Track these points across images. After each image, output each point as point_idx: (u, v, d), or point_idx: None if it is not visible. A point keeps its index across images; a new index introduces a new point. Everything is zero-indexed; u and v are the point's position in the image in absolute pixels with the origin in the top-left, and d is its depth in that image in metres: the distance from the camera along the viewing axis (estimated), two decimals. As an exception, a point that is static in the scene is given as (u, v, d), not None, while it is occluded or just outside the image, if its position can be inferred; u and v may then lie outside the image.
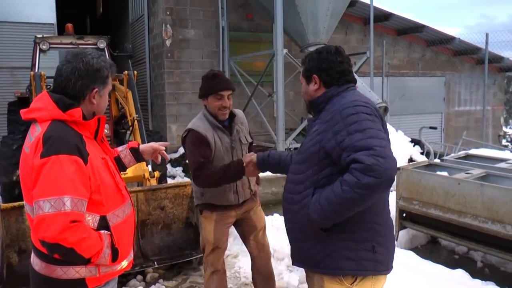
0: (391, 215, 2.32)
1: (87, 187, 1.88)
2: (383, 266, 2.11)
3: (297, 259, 2.27)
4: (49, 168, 1.80)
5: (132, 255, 2.20)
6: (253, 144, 3.45)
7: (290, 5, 8.08)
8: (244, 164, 2.79)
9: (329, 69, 2.22)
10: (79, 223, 1.82)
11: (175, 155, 9.92)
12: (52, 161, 1.80)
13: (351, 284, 2.08)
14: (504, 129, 17.36)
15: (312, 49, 8.36)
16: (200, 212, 3.30)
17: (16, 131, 7.16)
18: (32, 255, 2.04)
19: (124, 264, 2.11)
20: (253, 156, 2.76)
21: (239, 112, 3.31)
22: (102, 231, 1.95)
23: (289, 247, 2.36)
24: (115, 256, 1.98)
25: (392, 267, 2.19)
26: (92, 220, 1.94)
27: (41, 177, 1.80)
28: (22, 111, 2.04)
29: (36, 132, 1.92)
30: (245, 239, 3.42)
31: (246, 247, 3.44)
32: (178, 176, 9.07)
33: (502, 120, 15.55)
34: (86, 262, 1.89)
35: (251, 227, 3.35)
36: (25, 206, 2.05)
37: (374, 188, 1.88)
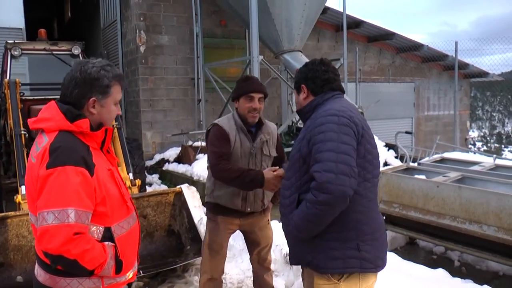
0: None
1: (92, 199, 1.87)
2: (370, 263, 2.16)
3: (293, 259, 2.37)
4: (54, 179, 1.78)
5: (137, 267, 2.19)
6: (283, 162, 3.23)
7: (264, 12, 8.15)
8: (266, 178, 2.81)
9: (315, 77, 2.36)
10: (82, 235, 1.80)
11: (151, 162, 9.83)
12: (58, 172, 1.79)
13: (338, 280, 2.16)
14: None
15: (286, 55, 8.63)
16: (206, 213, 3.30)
17: (-17, 141, 6.96)
18: (36, 266, 2.01)
19: (129, 275, 2.09)
20: (279, 170, 2.81)
21: (271, 124, 3.29)
22: (106, 243, 1.94)
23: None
24: (118, 268, 1.97)
25: (382, 265, 2.25)
26: (96, 231, 1.92)
27: (46, 188, 1.79)
28: (29, 121, 2.01)
29: (43, 142, 1.90)
30: (249, 251, 3.42)
31: (249, 256, 3.44)
32: (155, 184, 8.98)
33: (468, 124, 16.07)
34: (89, 273, 1.87)
35: (255, 243, 3.33)
36: (30, 216, 2.01)
37: (330, 204, 2.00)
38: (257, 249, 3.33)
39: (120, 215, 2.04)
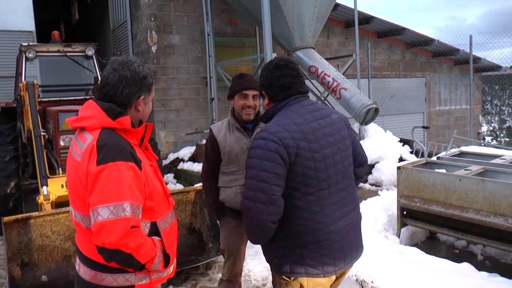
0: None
1: (143, 193, 1.88)
2: (316, 269, 2.24)
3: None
4: (107, 175, 1.79)
5: (175, 262, 2.21)
6: None
7: (276, 10, 8.13)
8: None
9: (270, 85, 2.37)
10: (138, 229, 1.82)
11: (165, 162, 9.86)
12: (110, 168, 1.79)
13: (289, 279, 2.28)
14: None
15: (299, 52, 8.61)
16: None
17: (2, 143, 7.01)
18: (79, 264, 2.02)
19: (170, 269, 2.11)
20: None
21: None
22: (154, 237, 1.96)
23: None
24: (166, 261, 1.99)
25: (333, 270, 2.29)
26: (144, 226, 1.94)
27: (99, 184, 1.79)
28: (70, 120, 2.02)
29: (87, 140, 1.90)
30: None
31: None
32: (170, 183, 9.01)
33: (480, 118, 15.96)
34: (141, 268, 1.88)
35: None
36: (73, 214, 2.01)
37: (251, 227, 2.21)
38: None
39: (164, 210, 2.06)
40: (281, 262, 2.28)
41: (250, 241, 2.40)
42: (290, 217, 2.19)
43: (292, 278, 2.26)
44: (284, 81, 2.33)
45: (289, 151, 2.12)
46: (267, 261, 2.44)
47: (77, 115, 2.02)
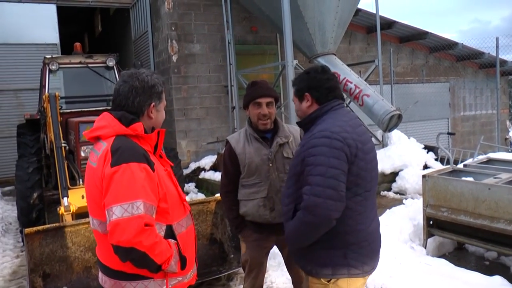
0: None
1: (156, 194, 1.94)
2: (358, 270, 2.32)
3: (295, 261, 2.55)
4: (121, 176, 1.85)
5: (196, 269, 2.24)
6: None
7: (297, 16, 8.08)
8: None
9: (318, 86, 2.44)
10: (152, 228, 1.87)
11: (187, 171, 9.83)
12: (123, 169, 1.86)
13: (328, 282, 2.33)
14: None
15: (321, 59, 8.52)
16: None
17: (27, 154, 7.09)
18: (100, 274, 2.08)
19: (190, 275, 2.14)
20: None
21: (292, 127, 3.16)
22: (170, 240, 2.00)
23: None
24: (183, 263, 2.03)
25: (370, 270, 2.41)
26: (159, 229, 1.99)
27: (113, 184, 1.85)
28: (86, 133, 2.12)
29: (102, 147, 2.00)
30: (286, 264, 3.30)
31: (288, 270, 3.32)
32: (191, 192, 8.98)
33: (508, 123, 15.54)
34: (157, 268, 1.92)
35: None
36: (92, 222, 2.07)
37: (314, 226, 2.20)
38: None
39: (179, 214, 2.12)
40: (322, 265, 2.32)
41: (293, 245, 2.40)
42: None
43: (332, 280, 2.32)
44: (331, 84, 2.46)
45: (351, 150, 2.21)
46: (301, 267, 2.47)
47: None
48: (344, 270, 2.30)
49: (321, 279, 2.33)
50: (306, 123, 2.46)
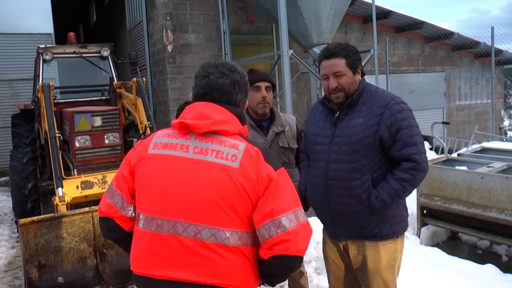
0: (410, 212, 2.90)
1: None
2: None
3: (345, 234, 2.53)
4: (284, 182, 1.73)
5: None
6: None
7: (292, 6, 8.04)
8: None
9: (360, 60, 2.52)
10: None
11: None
12: (284, 173, 1.76)
13: (397, 237, 2.51)
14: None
15: (316, 49, 8.48)
16: None
17: (21, 144, 7.06)
18: None
19: None
20: None
21: (288, 116, 3.19)
22: None
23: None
24: None
25: None
26: None
27: (282, 190, 1.70)
28: (204, 124, 1.76)
29: (233, 144, 1.73)
30: None
31: None
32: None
33: (502, 112, 15.58)
34: None
35: None
36: (179, 229, 1.69)
37: (422, 180, 2.40)
38: None
39: None
40: (397, 222, 2.49)
41: (389, 209, 2.38)
42: None
43: (399, 236, 2.53)
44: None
45: None
46: (363, 236, 2.48)
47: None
48: (405, 222, 2.57)
49: (393, 239, 2.48)
50: (358, 95, 2.44)
